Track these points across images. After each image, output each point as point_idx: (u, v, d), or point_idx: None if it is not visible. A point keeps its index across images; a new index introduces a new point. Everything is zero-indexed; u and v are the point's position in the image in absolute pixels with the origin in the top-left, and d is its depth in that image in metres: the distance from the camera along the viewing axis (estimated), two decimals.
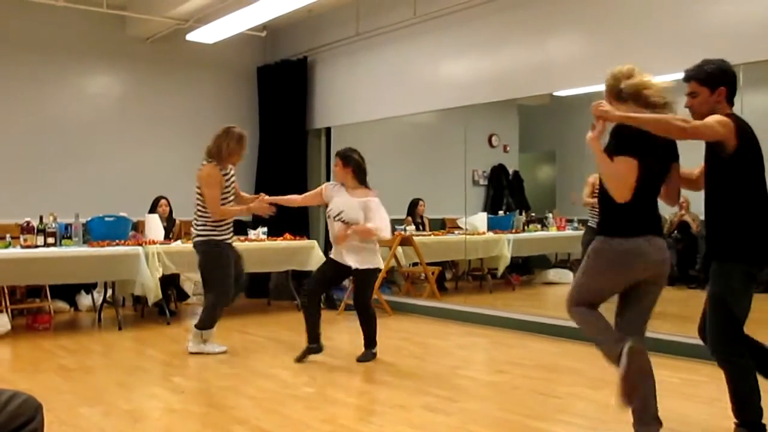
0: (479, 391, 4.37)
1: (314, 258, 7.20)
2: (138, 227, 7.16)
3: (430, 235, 8.25)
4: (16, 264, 5.86)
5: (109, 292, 7.02)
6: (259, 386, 4.39)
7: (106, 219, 6.67)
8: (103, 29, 8.17)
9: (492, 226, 8.55)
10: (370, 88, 8.11)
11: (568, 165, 9.01)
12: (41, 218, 6.19)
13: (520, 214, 9.25)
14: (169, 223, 7.34)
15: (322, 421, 3.61)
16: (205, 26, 7.72)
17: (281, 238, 7.37)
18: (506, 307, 7.10)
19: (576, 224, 8.60)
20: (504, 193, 9.90)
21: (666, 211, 5.91)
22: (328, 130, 8.93)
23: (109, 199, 7.60)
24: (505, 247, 8.22)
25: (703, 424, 3.54)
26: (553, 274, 9.04)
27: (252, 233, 7.25)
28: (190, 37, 8.02)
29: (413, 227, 8.29)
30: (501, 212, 9.40)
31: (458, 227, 8.70)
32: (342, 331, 6.37)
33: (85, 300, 7.60)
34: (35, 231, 6.08)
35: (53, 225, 6.20)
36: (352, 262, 4.96)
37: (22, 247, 6.01)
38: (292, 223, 7.89)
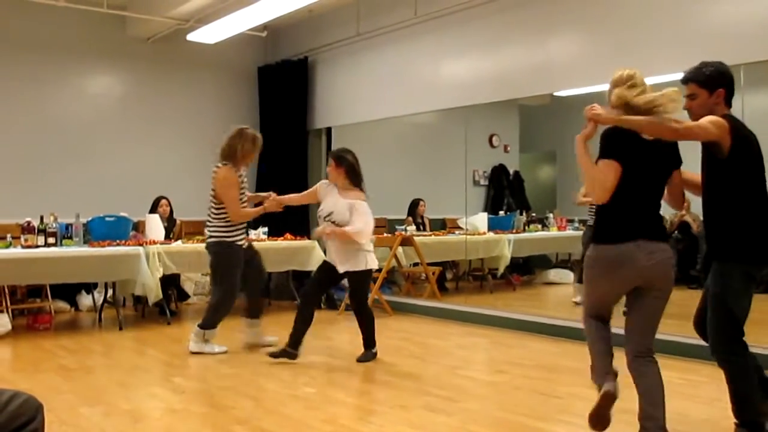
0: (479, 391, 4.37)
1: (315, 258, 7.20)
2: (138, 227, 7.17)
3: (430, 235, 8.25)
4: (16, 264, 5.87)
5: (110, 292, 7.03)
6: (260, 386, 4.40)
7: (107, 219, 6.67)
8: (103, 29, 8.17)
9: (492, 226, 8.55)
10: (370, 88, 8.11)
11: (569, 165, 8.95)
12: (42, 218, 6.19)
13: (521, 214, 9.25)
14: (169, 223, 7.35)
15: (323, 421, 3.61)
16: (206, 26, 7.73)
17: (282, 238, 7.38)
18: (507, 307, 7.10)
19: (577, 224, 8.60)
20: (504, 193, 9.90)
21: (667, 211, 5.91)
22: (328, 130, 8.93)
23: (110, 199, 7.61)
24: (505, 247, 8.22)
25: (703, 424, 3.54)
26: (553, 274, 9.05)
27: (252, 233, 7.25)
28: (191, 37, 8.03)
29: (414, 227, 8.29)
30: (501, 212, 9.40)
31: (459, 227, 8.71)
32: (342, 331, 6.37)
33: (85, 300, 7.61)
34: (36, 231, 6.09)
35: (54, 225, 6.20)
36: (342, 265, 4.97)
37: (23, 247, 6.01)
38: (293, 223, 7.89)
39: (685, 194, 3.35)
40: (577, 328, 5.64)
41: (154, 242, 6.57)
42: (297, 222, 8.09)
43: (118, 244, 6.40)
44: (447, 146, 8.93)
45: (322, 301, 7.50)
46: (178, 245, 6.68)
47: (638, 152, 3.04)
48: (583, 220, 7.47)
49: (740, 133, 3.13)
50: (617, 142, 3.03)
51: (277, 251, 7.20)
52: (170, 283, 7.06)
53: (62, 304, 7.43)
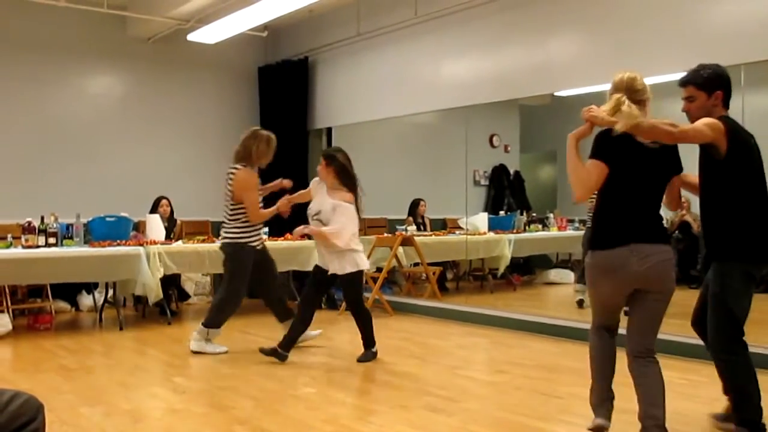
0: (480, 391, 4.37)
1: (315, 258, 7.18)
2: (139, 227, 7.17)
3: (431, 235, 8.25)
4: (17, 264, 5.87)
5: (110, 292, 7.03)
6: (260, 386, 4.40)
7: (107, 219, 6.67)
8: (103, 29, 8.18)
9: (493, 226, 8.55)
10: (371, 88, 8.11)
11: None
12: (42, 218, 6.19)
13: (521, 214, 9.25)
14: (170, 223, 7.35)
15: (323, 422, 3.61)
16: (206, 26, 7.73)
17: (282, 238, 7.37)
18: (507, 307, 7.10)
19: (577, 224, 8.60)
20: (505, 193, 9.90)
21: (667, 211, 5.91)
22: (329, 130, 8.94)
23: (110, 199, 7.61)
24: (506, 247, 8.21)
25: (703, 424, 3.54)
26: (554, 274, 9.05)
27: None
28: (191, 37, 8.03)
29: (414, 227, 8.29)
30: (502, 212, 9.40)
31: (459, 227, 8.71)
32: (342, 331, 6.37)
33: (86, 300, 7.61)
34: (36, 231, 6.09)
35: (54, 225, 6.20)
36: (331, 267, 4.97)
37: (24, 247, 6.01)
38: (293, 223, 7.88)
39: (681, 197, 3.38)
40: (577, 328, 5.65)
41: (155, 242, 6.57)
42: (297, 222, 8.06)
43: (118, 244, 6.40)
44: (447, 146, 8.94)
45: (322, 301, 7.51)
46: (178, 245, 6.68)
47: (633, 156, 3.05)
48: (584, 220, 7.47)
49: (737, 135, 3.15)
50: (608, 144, 3.04)
51: (278, 251, 7.18)
52: (171, 283, 7.06)
53: (63, 304, 7.43)
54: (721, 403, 3.53)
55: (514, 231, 8.57)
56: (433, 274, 7.65)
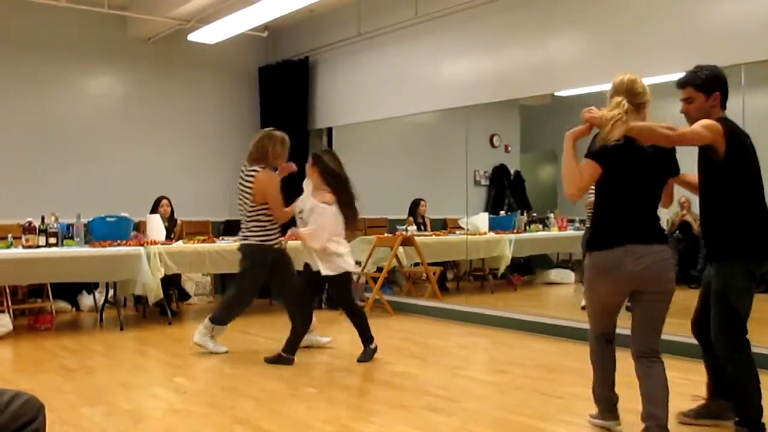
0: (480, 391, 4.37)
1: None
2: (139, 227, 7.17)
3: (431, 235, 8.25)
4: (17, 264, 5.87)
5: (111, 292, 7.03)
6: (261, 386, 4.40)
7: (108, 219, 6.67)
8: (104, 29, 8.18)
9: (493, 226, 8.55)
10: (371, 88, 8.11)
11: None
12: (43, 218, 6.19)
13: (522, 214, 9.25)
14: (170, 223, 7.35)
15: (324, 421, 3.61)
16: (207, 26, 7.73)
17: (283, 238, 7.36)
18: (507, 307, 7.10)
19: (577, 224, 8.60)
20: (505, 193, 9.90)
21: (668, 211, 5.91)
22: (329, 130, 8.94)
23: (111, 199, 7.61)
24: (506, 247, 8.21)
25: (705, 423, 3.54)
26: (554, 274, 9.05)
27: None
28: (192, 37, 8.03)
29: (414, 227, 8.29)
30: (502, 212, 9.40)
31: (460, 227, 8.71)
32: (343, 331, 6.36)
33: (86, 300, 7.61)
34: (37, 231, 6.09)
35: (55, 225, 6.21)
36: (320, 268, 4.96)
37: (24, 247, 6.01)
38: (293, 223, 7.88)
39: (673, 195, 3.43)
40: (578, 328, 5.65)
41: (155, 242, 6.57)
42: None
43: (119, 245, 6.40)
44: (448, 146, 8.94)
45: (323, 301, 7.51)
46: (179, 245, 6.68)
47: (629, 157, 3.07)
48: (584, 220, 7.47)
49: (736, 137, 3.17)
50: (604, 146, 3.05)
51: None
52: (171, 283, 7.06)
53: (63, 304, 7.43)
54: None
55: (515, 231, 8.57)
56: (434, 274, 7.65)
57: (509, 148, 10.08)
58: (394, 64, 7.81)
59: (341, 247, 5.00)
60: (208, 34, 7.95)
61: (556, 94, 7.02)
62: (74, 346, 5.77)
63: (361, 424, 3.59)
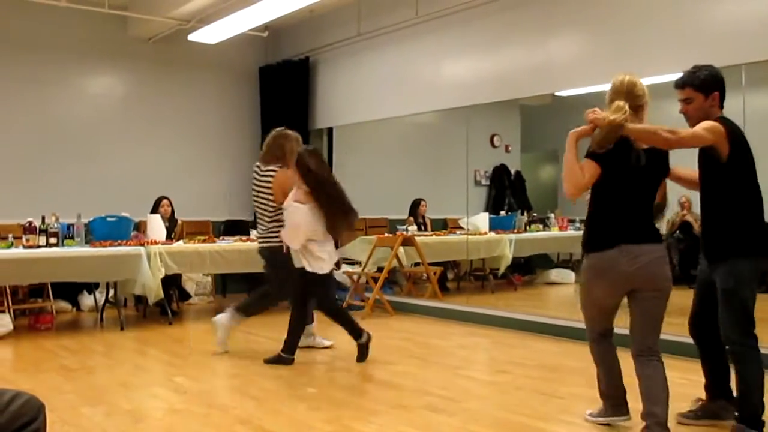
0: (481, 391, 4.37)
1: None
2: (140, 227, 7.17)
3: (431, 235, 8.25)
4: (18, 264, 5.87)
5: (111, 292, 7.03)
6: (262, 386, 4.40)
7: (108, 219, 6.68)
8: (104, 29, 8.18)
9: (494, 226, 8.54)
10: (371, 88, 8.11)
11: None
12: (43, 218, 6.19)
13: (522, 214, 9.24)
14: (171, 223, 7.35)
15: (324, 421, 3.61)
16: (207, 26, 7.73)
17: None
18: (508, 307, 7.10)
19: (578, 224, 8.59)
20: (506, 193, 9.90)
21: (669, 211, 5.88)
22: (330, 130, 8.94)
23: (111, 199, 7.62)
24: (506, 247, 8.21)
25: (704, 423, 3.53)
26: (555, 274, 9.04)
27: (254, 233, 7.25)
28: (192, 37, 8.03)
29: (415, 227, 8.29)
30: (503, 212, 9.39)
31: (460, 227, 8.70)
32: (343, 331, 6.35)
33: (87, 300, 7.61)
34: (37, 231, 6.09)
35: (55, 225, 6.21)
36: (301, 264, 4.93)
37: (25, 247, 6.02)
38: None
39: (666, 192, 3.47)
40: (579, 328, 5.62)
41: (156, 242, 6.57)
42: None
43: (119, 244, 6.40)
44: (448, 146, 8.93)
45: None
46: (179, 245, 6.68)
47: (626, 159, 3.10)
48: (584, 220, 7.46)
49: (738, 137, 3.20)
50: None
51: None
52: (172, 283, 7.06)
53: (64, 304, 7.43)
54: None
55: (515, 231, 8.56)
56: (434, 274, 7.64)
57: (510, 148, 10.07)
58: (395, 64, 7.81)
59: (317, 246, 4.88)
60: (208, 34, 7.95)
61: (556, 94, 7.02)
62: (74, 346, 5.77)
63: (362, 424, 3.59)
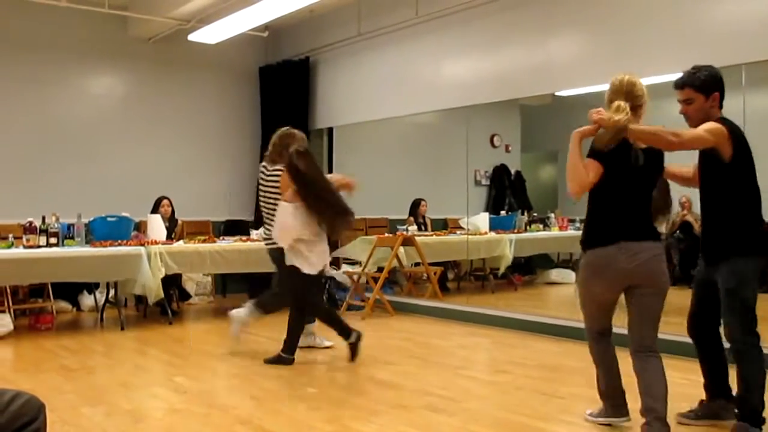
0: (481, 391, 4.37)
1: None
2: (140, 227, 7.17)
3: (432, 235, 8.25)
4: (18, 264, 5.87)
5: (112, 292, 7.03)
6: (261, 386, 4.40)
7: (109, 219, 6.68)
8: (104, 30, 8.18)
9: (494, 226, 8.54)
10: (372, 88, 8.11)
11: None
12: (44, 218, 6.19)
13: (522, 214, 9.25)
14: (171, 223, 7.35)
15: (325, 421, 3.61)
16: (207, 26, 7.73)
17: None
18: (508, 307, 7.10)
19: (578, 224, 8.59)
20: (506, 193, 9.90)
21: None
22: (330, 130, 8.94)
23: (112, 199, 7.61)
24: (507, 247, 8.21)
25: (704, 423, 3.53)
26: (555, 274, 9.04)
27: (254, 233, 7.26)
28: (192, 37, 8.03)
29: (415, 227, 8.29)
30: (503, 212, 9.39)
31: (460, 227, 8.70)
32: None
33: (87, 300, 7.61)
34: (38, 231, 6.09)
35: (56, 225, 6.21)
36: (292, 263, 4.93)
37: (25, 247, 6.02)
38: None
39: (670, 195, 3.60)
40: (579, 327, 5.61)
41: (156, 242, 6.57)
42: None
43: (119, 244, 6.40)
44: (448, 146, 8.93)
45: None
46: (179, 245, 6.68)
47: (626, 159, 3.13)
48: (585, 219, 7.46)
49: (739, 138, 3.22)
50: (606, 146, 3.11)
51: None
52: (172, 283, 7.06)
53: (64, 304, 7.43)
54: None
55: (515, 231, 8.56)
56: (434, 274, 7.64)
57: (510, 148, 10.07)
58: (395, 64, 7.81)
59: (305, 246, 4.87)
60: (208, 34, 7.95)
61: (556, 93, 7.02)
62: (75, 346, 5.77)
63: (362, 424, 3.59)
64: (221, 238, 7.48)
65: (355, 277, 7.53)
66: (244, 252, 6.88)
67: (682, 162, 3.42)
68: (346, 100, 8.50)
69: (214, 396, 4.20)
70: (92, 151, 8.15)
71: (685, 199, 7.64)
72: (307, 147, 5.11)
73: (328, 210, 4.84)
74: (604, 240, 3.17)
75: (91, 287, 7.56)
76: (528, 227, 8.90)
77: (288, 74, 8.86)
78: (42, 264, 5.97)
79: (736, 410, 3.27)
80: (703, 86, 3.26)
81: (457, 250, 8.33)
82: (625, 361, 3.37)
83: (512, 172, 10.02)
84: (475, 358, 5.54)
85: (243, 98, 9.26)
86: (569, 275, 8.77)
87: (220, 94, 9.11)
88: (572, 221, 8.82)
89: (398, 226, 8.04)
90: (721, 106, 3.31)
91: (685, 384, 4.02)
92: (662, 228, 4.40)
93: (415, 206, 8.67)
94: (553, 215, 9.09)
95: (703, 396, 3.57)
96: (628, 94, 3.14)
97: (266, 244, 5.37)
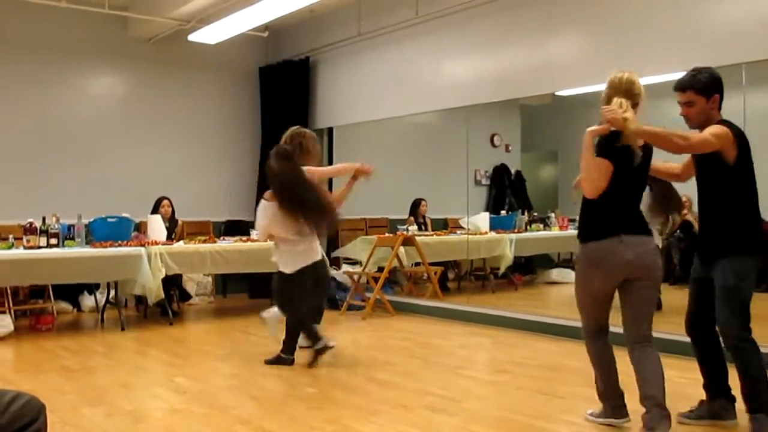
0: (482, 391, 4.37)
1: None
2: (140, 228, 7.17)
3: (432, 235, 8.25)
4: (19, 265, 5.87)
5: (112, 292, 7.03)
6: (262, 386, 4.40)
7: (109, 220, 6.67)
8: (105, 30, 8.18)
9: (494, 226, 8.54)
10: (372, 88, 8.11)
11: (571, 164, 8.92)
12: (44, 219, 6.19)
13: (523, 213, 9.25)
14: (171, 223, 7.35)
15: (325, 421, 3.61)
16: (207, 27, 7.73)
17: None
18: (509, 306, 7.10)
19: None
20: (506, 193, 9.90)
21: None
22: (330, 130, 8.94)
23: (112, 199, 7.61)
24: (507, 246, 8.21)
25: (704, 423, 3.54)
26: (555, 273, 9.04)
27: (254, 233, 7.26)
28: (192, 37, 8.03)
29: (415, 227, 8.29)
30: (503, 212, 9.40)
31: (460, 227, 8.70)
32: (344, 331, 6.37)
33: (87, 301, 7.62)
34: (38, 232, 6.09)
35: (56, 226, 6.21)
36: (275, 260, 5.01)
37: (25, 248, 6.02)
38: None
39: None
40: (579, 327, 5.62)
41: (156, 243, 6.57)
42: None
43: (120, 245, 6.40)
44: (448, 146, 8.94)
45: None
46: (180, 246, 6.69)
47: (628, 156, 3.17)
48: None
49: (743, 141, 3.25)
50: (613, 145, 3.15)
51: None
52: (172, 283, 7.06)
53: (64, 305, 7.44)
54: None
55: (516, 231, 8.57)
56: (435, 273, 7.64)
57: (510, 148, 10.07)
58: (395, 64, 7.81)
59: (284, 246, 4.88)
60: (208, 35, 7.95)
61: (556, 93, 7.03)
62: (75, 346, 5.78)
63: (362, 423, 3.59)
64: (221, 238, 7.48)
65: (356, 277, 7.54)
66: (245, 252, 6.88)
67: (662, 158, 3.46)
68: (346, 100, 8.50)
69: (215, 396, 4.20)
70: (92, 152, 8.15)
71: (686, 199, 7.61)
72: (309, 145, 5.10)
73: (301, 212, 4.74)
74: (605, 232, 3.21)
75: (92, 288, 7.57)
76: (528, 227, 8.90)
77: (288, 74, 8.86)
78: (42, 265, 5.97)
79: (746, 403, 3.27)
80: (705, 88, 3.28)
81: (458, 250, 8.34)
82: (621, 361, 3.38)
83: (512, 171, 10.03)
84: (476, 357, 5.54)
85: (243, 98, 9.26)
86: (570, 275, 8.76)
87: (220, 94, 9.11)
88: (572, 221, 8.81)
89: (398, 226, 8.05)
90: (720, 108, 3.33)
91: (685, 383, 4.02)
92: (657, 227, 4.43)
93: (416, 206, 8.68)
94: (553, 215, 9.10)
95: (703, 396, 3.57)
96: (627, 92, 3.17)
97: None
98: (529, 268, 9.39)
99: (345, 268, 8.14)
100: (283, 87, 8.88)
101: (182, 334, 6.33)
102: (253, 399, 4.10)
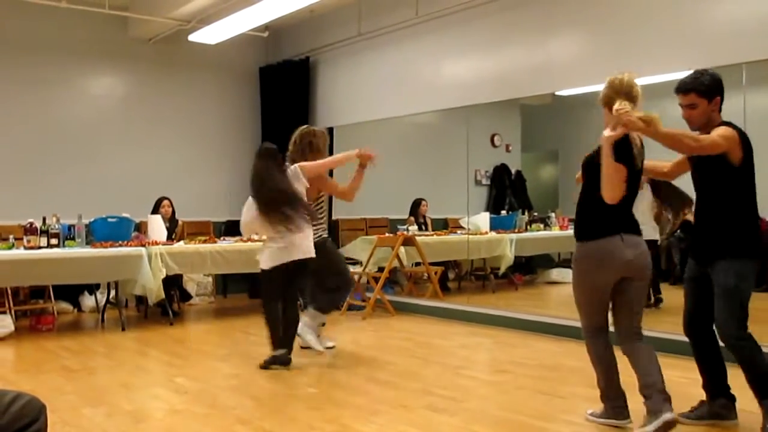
0: (482, 391, 4.37)
1: None
2: (141, 228, 7.18)
3: (432, 235, 8.25)
4: (19, 265, 5.88)
5: (112, 293, 7.04)
6: (262, 386, 4.40)
7: (109, 220, 6.68)
8: (105, 30, 8.19)
9: (494, 226, 8.54)
10: (372, 88, 8.11)
11: (571, 164, 8.91)
12: (44, 219, 6.20)
13: (523, 213, 9.24)
14: (171, 223, 7.36)
15: (325, 421, 3.61)
16: (208, 27, 7.74)
17: None
18: (509, 306, 7.10)
19: None
20: (506, 193, 9.89)
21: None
22: (330, 130, 8.91)
23: (112, 200, 7.62)
24: (507, 246, 8.21)
25: (705, 423, 3.54)
26: (556, 273, 9.04)
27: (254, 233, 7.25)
28: (193, 37, 8.04)
29: (416, 227, 8.29)
30: (503, 212, 9.39)
31: (461, 227, 8.70)
32: (344, 331, 6.37)
33: (88, 301, 7.62)
34: (38, 232, 6.10)
35: (56, 226, 6.21)
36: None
37: (26, 248, 6.02)
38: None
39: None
40: (580, 327, 5.63)
41: (157, 243, 6.58)
42: None
43: (120, 245, 6.41)
44: (449, 146, 8.93)
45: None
46: (180, 246, 6.69)
47: (632, 157, 3.23)
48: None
49: (747, 142, 3.28)
50: (626, 149, 3.19)
51: None
52: (172, 283, 7.07)
53: (65, 305, 7.44)
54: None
55: (516, 230, 8.56)
56: (435, 273, 7.64)
57: (510, 148, 10.06)
58: (395, 64, 7.81)
59: (268, 242, 4.90)
60: (208, 35, 7.96)
61: (556, 93, 7.02)
62: (76, 346, 5.78)
63: (362, 423, 3.60)
64: (222, 238, 7.49)
65: (356, 276, 7.53)
66: (245, 252, 6.88)
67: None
68: (346, 100, 8.50)
69: (215, 396, 4.20)
70: (93, 152, 8.15)
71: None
72: (319, 144, 5.39)
73: (269, 210, 4.80)
74: (606, 231, 3.25)
75: (92, 288, 7.57)
76: (528, 227, 8.90)
77: (288, 74, 8.87)
78: (43, 265, 5.98)
79: (755, 392, 3.28)
80: (707, 91, 3.30)
81: (458, 250, 8.33)
82: (623, 360, 3.38)
83: (513, 171, 10.02)
84: (476, 357, 5.54)
85: (243, 98, 9.26)
86: (569, 275, 8.75)
87: (220, 94, 9.12)
88: (573, 221, 8.81)
89: (399, 226, 8.05)
90: (720, 110, 3.35)
91: (685, 383, 4.02)
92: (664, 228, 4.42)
93: (416, 206, 8.68)
94: (553, 215, 9.09)
95: (703, 396, 3.57)
96: (627, 94, 3.17)
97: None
98: (529, 268, 9.38)
99: None
100: (283, 87, 8.88)
101: (183, 335, 6.33)
102: (253, 399, 4.11)
